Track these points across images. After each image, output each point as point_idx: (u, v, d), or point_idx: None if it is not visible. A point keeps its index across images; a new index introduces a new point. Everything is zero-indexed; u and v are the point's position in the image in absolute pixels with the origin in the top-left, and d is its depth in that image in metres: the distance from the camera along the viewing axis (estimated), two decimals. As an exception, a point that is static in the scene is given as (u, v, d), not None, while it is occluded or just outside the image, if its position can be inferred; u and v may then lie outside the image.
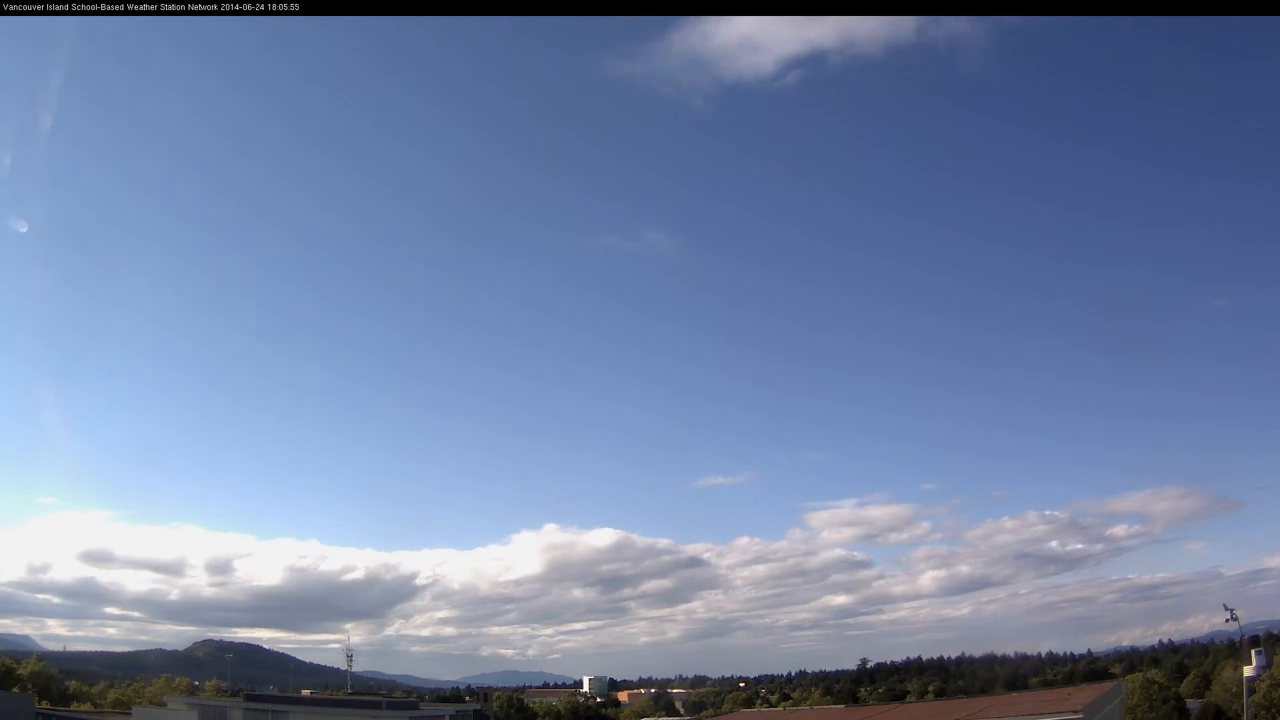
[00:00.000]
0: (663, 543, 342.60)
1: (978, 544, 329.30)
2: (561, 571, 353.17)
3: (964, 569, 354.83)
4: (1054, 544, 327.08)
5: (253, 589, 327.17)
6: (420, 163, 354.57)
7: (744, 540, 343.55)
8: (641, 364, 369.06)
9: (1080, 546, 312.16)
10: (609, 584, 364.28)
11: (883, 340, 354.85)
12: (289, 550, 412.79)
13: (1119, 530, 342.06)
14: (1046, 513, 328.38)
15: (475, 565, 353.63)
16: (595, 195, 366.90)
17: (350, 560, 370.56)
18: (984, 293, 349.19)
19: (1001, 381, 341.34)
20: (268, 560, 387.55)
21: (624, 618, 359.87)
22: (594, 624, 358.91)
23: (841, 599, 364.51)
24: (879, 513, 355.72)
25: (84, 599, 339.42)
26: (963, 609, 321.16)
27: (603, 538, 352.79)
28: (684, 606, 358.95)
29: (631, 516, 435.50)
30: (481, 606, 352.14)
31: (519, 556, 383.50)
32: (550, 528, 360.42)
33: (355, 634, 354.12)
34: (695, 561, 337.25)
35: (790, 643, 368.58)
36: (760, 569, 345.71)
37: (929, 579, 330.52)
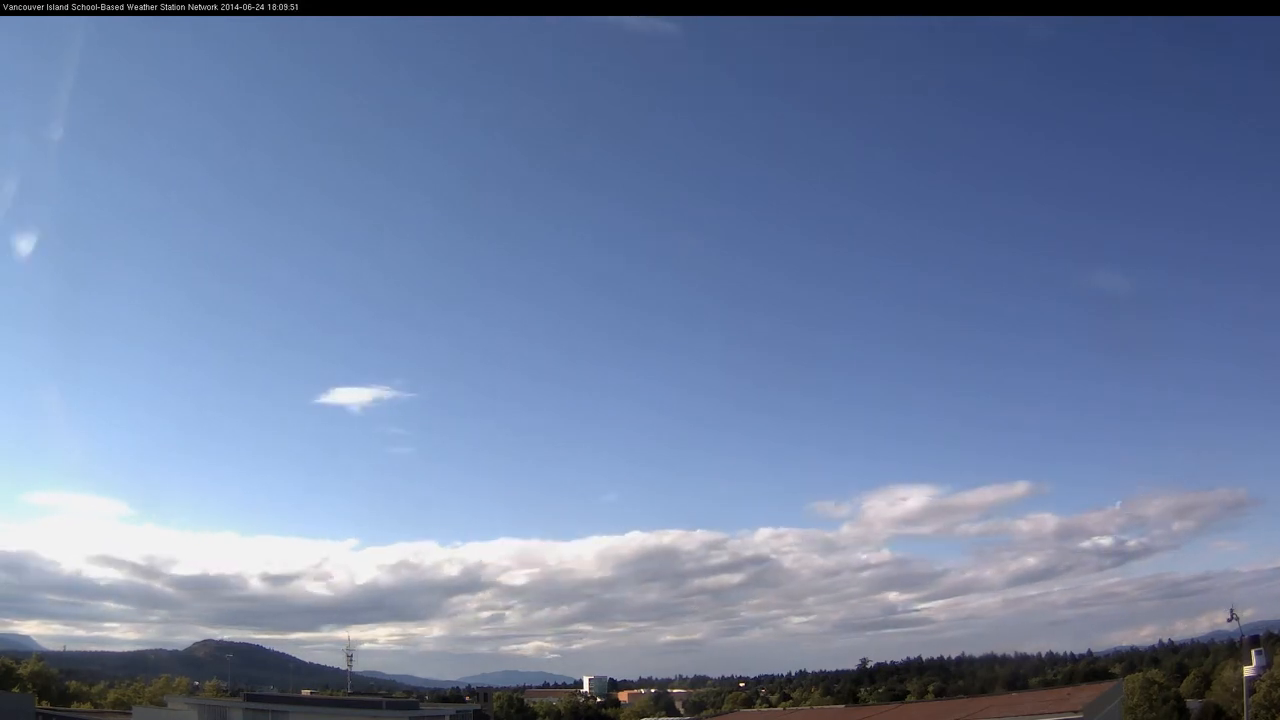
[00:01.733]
0: (711, 535, 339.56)
1: (982, 544, 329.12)
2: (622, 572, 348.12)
3: (974, 571, 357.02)
4: (1065, 546, 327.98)
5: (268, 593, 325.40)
6: (433, 160, 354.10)
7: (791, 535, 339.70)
8: (646, 363, 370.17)
9: (1090, 547, 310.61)
10: (671, 582, 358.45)
11: (883, 340, 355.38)
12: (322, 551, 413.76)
13: (1129, 531, 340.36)
14: (1054, 514, 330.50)
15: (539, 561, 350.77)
16: (598, 195, 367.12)
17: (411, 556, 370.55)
18: (984, 293, 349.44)
19: (1001, 381, 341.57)
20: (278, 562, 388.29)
21: (681, 618, 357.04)
22: (640, 625, 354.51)
23: (874, 597, 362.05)
24: (899, 510, 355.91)
25: (135, 601, 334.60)
26: (977, 608, 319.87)
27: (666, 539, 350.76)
28: (747, 602, 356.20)
29: (649, 517, 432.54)
30: (539, 605, 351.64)
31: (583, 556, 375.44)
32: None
33: (391, 632, 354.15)
34: (759, 560, 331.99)
35: (802, 642, 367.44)
36: (810, 565, 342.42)
37: (946, 580, 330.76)
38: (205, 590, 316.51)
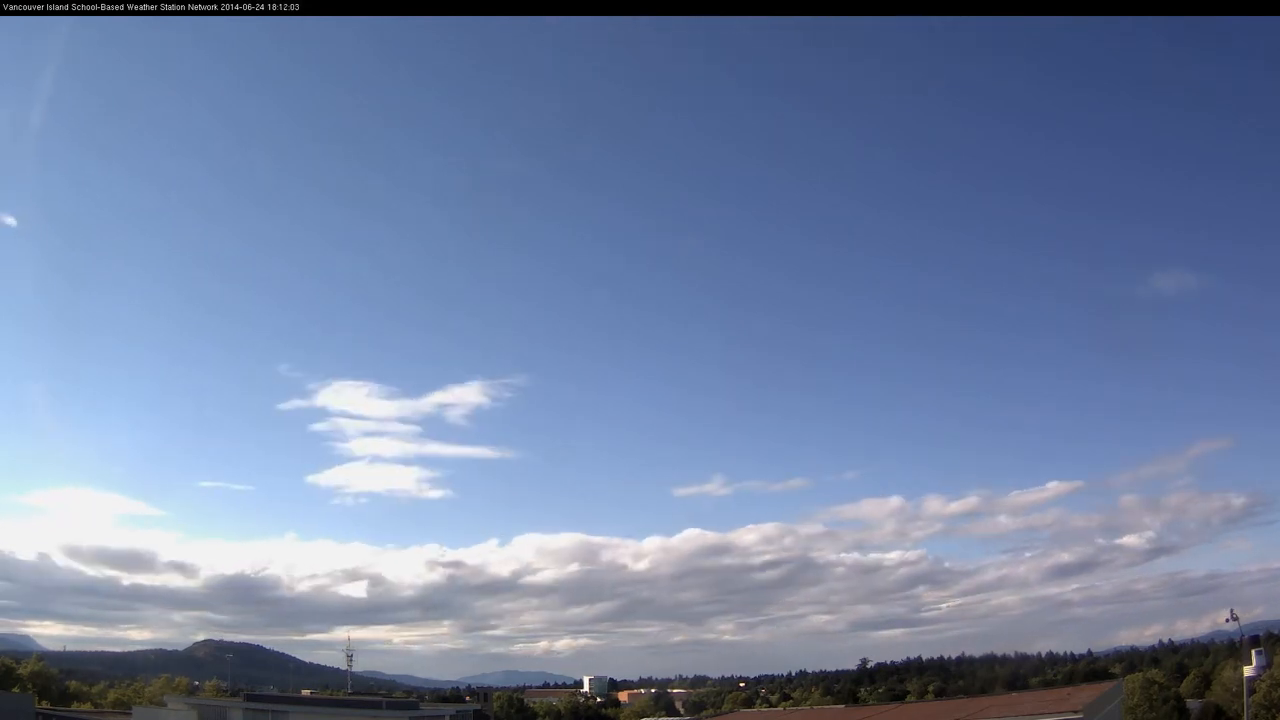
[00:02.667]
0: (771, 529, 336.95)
1: (986, 544, 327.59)
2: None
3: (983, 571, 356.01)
4: (1075, 547, 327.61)
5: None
6: (434, 160, 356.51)
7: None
8: (646, 363, 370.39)
9: (1105, 545, 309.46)
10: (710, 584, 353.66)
11: (883, 340, 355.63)
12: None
13: (1144, 531, 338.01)
14: (1056, 513, 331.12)
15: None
16: (598, 195, 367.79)
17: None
18: (984, 293, 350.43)
19: (1001, 381, 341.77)
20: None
21: (708, 619, 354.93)
22: (667, 624, 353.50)
23: (900, 595, 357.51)
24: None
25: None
26: (995, 606, 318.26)
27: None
28: (783, 600, 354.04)
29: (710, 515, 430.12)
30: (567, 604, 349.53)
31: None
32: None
33: (416, 633, 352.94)
34: (798, 558, 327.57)
35: (807, 642, 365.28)
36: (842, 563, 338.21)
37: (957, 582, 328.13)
38: (237, 593, 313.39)
